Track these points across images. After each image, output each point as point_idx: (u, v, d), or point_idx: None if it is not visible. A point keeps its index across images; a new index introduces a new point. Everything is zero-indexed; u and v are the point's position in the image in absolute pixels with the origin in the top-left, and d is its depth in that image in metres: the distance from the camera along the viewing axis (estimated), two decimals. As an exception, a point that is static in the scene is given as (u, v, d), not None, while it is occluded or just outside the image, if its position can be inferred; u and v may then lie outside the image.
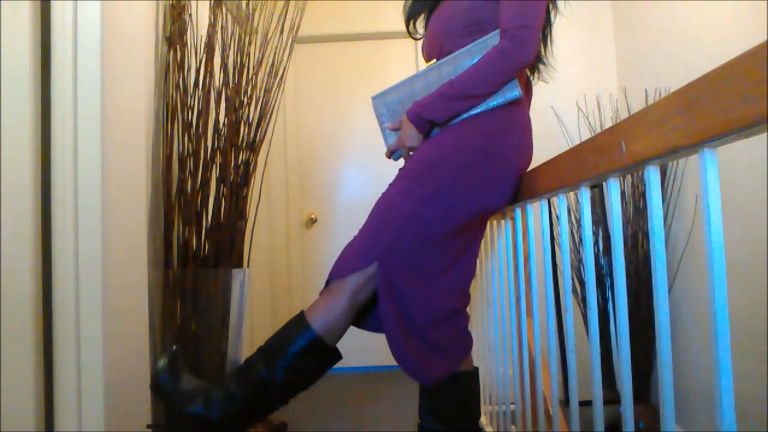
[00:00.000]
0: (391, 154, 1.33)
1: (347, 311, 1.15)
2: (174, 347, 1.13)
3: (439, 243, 1.18)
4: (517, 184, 1.24)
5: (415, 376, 1.15)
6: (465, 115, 1.21)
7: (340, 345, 1.16)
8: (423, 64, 1.37)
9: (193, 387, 1.10)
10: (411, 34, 1.53)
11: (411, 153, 1.27)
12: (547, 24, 1.35)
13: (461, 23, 1.26)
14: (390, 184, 1.26)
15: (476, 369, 1.29)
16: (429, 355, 1.16)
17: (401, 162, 1.35)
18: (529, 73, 1.39)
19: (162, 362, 1.10)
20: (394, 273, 1.15)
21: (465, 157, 1.19)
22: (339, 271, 1.18)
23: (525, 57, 1.15)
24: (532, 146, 1.29)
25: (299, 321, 1.14)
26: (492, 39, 1.19)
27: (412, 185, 1.20)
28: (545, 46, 1.38)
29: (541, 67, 1.40)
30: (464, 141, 1.20)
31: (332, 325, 1.13)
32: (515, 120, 1.23)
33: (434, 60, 1.29)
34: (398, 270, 1.15)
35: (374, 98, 1.35)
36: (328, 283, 1.20)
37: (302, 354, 1.10)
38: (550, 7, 1.34)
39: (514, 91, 1.19)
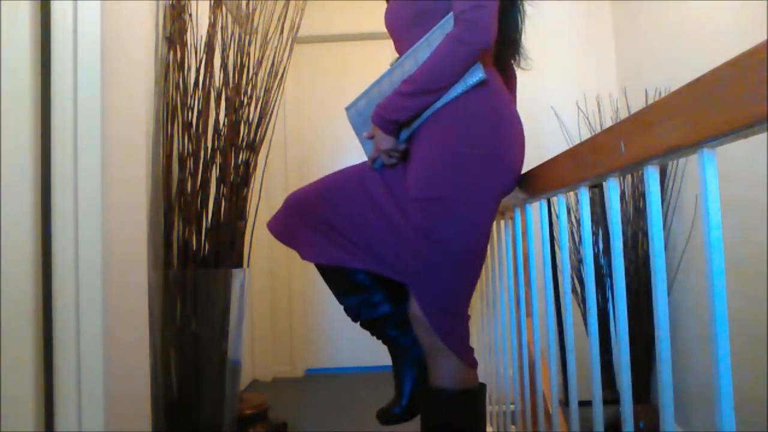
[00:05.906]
0: (373, 162, 1.24)
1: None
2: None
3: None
4: (514, 173, 1.16)
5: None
6: (430, 111, 1.13)
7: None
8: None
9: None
10: None
11: (392, 156, 1.20)
12: (519, 4, 1.29)
13: (411, 13, 1.19)
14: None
15: (483, 385, 1.23)
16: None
17: None
18: (511, 61, 1.35)
19: None
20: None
21: (455, 158, 1.12)
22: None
23: (481, 40, 1.06)
24: (523, 135, 1.20)
25: None
26: (447, 24, 1.10)
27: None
28: (519, 30, 1.31)
29: (519, 53, 1.32)
30: (445, 142, 1.13)
31: None
32: (491, 108, 1.14)
33: (397, 57, 1.23)
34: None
35: (347, 109, 1.28)
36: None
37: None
38: None
39: (474, 76, 1.10)
